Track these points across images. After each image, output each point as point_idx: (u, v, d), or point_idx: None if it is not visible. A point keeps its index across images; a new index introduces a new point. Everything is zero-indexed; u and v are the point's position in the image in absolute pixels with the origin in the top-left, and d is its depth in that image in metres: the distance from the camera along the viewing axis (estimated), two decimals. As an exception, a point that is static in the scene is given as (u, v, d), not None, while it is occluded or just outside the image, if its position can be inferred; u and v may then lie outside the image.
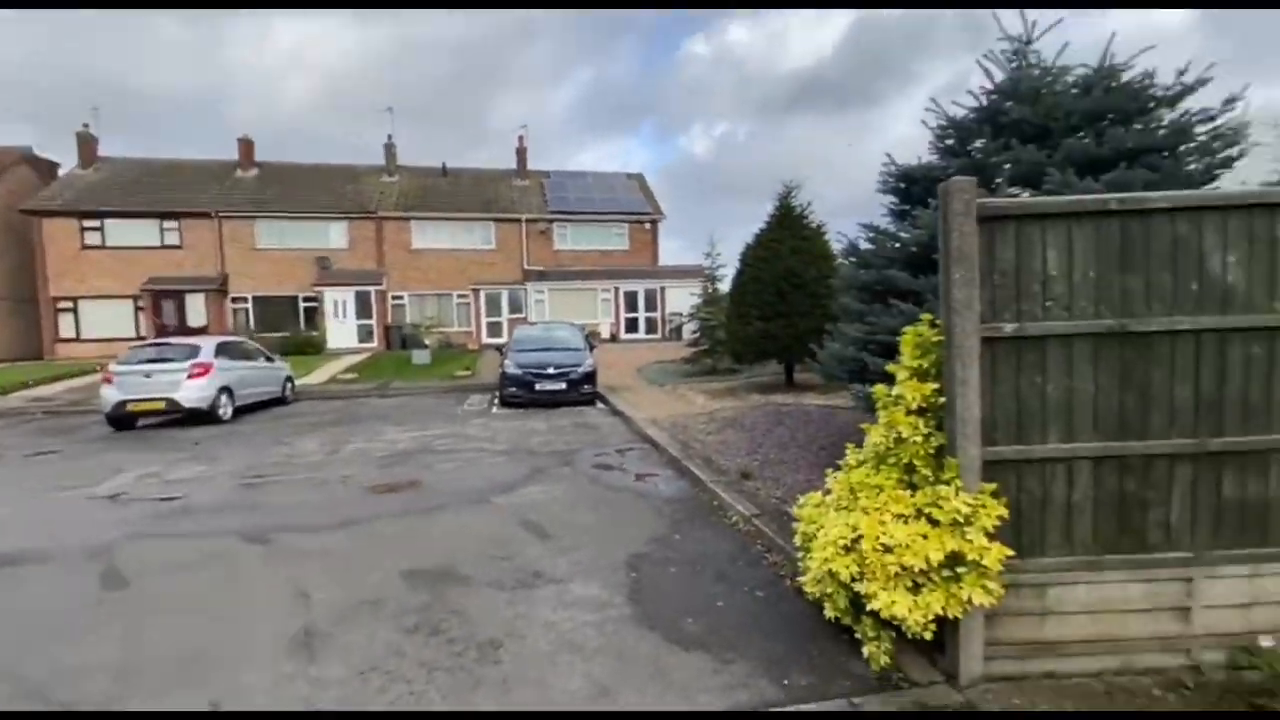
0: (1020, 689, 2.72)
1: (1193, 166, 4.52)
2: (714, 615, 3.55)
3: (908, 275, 5.11)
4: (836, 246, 8.88)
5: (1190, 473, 2.77)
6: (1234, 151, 4.53)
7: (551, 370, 11.75)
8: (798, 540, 3.48)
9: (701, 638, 3.30)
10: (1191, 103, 4.67)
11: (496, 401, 12.40)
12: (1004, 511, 2.62)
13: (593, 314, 26.68)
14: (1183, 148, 4.62)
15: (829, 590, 3.03)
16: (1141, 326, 2.70)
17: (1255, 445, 2.74)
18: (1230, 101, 4.47)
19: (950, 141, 5.51)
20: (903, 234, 5.58)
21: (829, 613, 3.09)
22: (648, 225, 29.62)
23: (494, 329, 26.50)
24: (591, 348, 13.32)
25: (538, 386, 11.62)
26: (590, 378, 12.01)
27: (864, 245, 6.09)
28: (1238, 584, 2.79)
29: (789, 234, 11.76)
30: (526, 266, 27.32)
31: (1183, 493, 2.78)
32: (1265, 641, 2.78)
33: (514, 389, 11.74)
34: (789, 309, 11.23)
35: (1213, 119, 4.55)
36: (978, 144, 5.26)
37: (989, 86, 5.25)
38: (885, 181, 5.85)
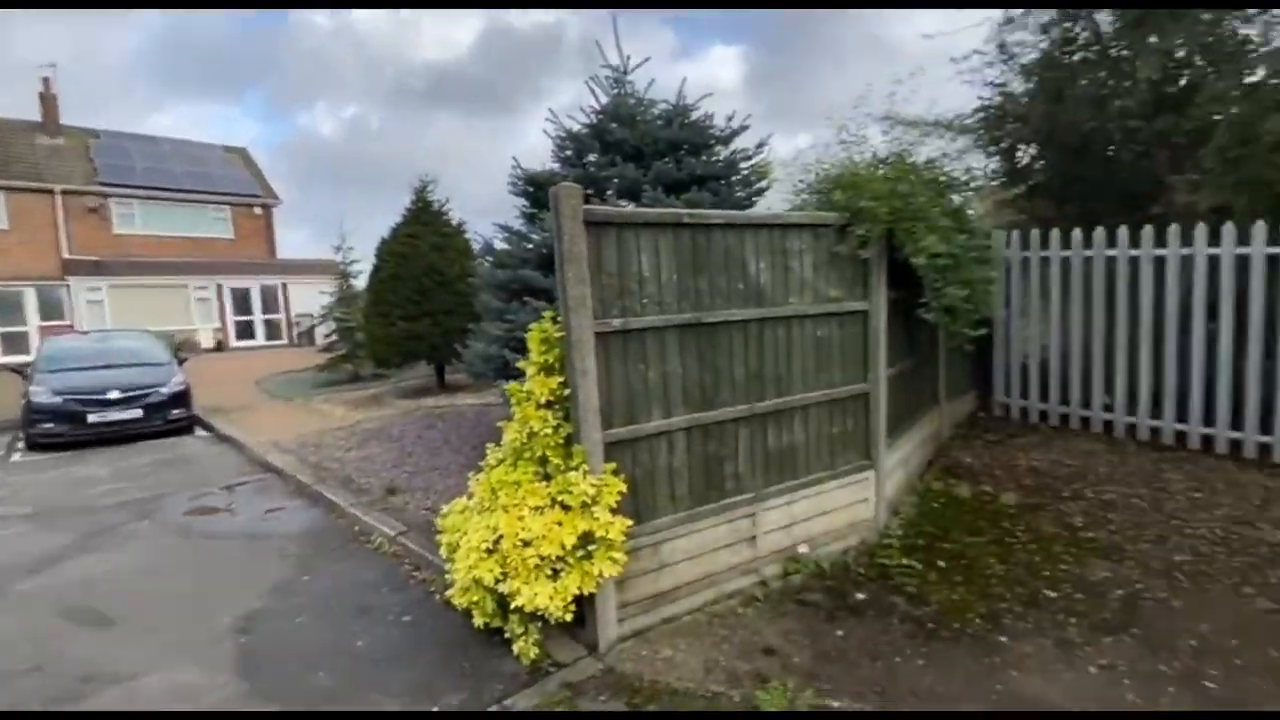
0: (646, 640, 3.10)
1: (740, 193, 5.83)
2: (352, 659, 3.13)
3: (540, 274, 5.37)
4: (477, 245, 8.88)
5: (748, 431, 3.54)
6: (763, 184, 6.01)
7: (115, 395, 8.87)
8: (443, 552, 3.31)
9: (336, 690, 2.87)
10: (739, 143, 6.04)
11: (21, 445, 8.85)
12: (623, 486, 2.92)
13: (185, 318, 21.36)
14: (734, 177, 5.93)
15: (476, 598, 2.95)
16: (710, 318, 3.33)
17: (782, 405, 3.66)
18: (761, 145, 5.94)
19: (569, 153, 5.96)
20: (534, 235, 5.85)
21: (478, 620, 3.02)
22: (259, 210, 24.99)
23: (15, 343, 18.94)
24: (182, 360, 10.58)
25: (93, 418, 8.65)
26: (181, 399, 9.49)
27: (500, 245, 6.20)
28: (782, 511, 3.70)
29: (428, 229, 11.30)
30: (69, 255, 20.21)
31: (745, 447, 3.54)
32: (802, 549, 3.76)
33: (50, 425, 8.49)
34: (434, 307, 10.82)
35: (750, 157, 5.95)
36: (591, 158, 5.82)
37: (597, 107, 5.85)
38: (515, 184, 6.03)
